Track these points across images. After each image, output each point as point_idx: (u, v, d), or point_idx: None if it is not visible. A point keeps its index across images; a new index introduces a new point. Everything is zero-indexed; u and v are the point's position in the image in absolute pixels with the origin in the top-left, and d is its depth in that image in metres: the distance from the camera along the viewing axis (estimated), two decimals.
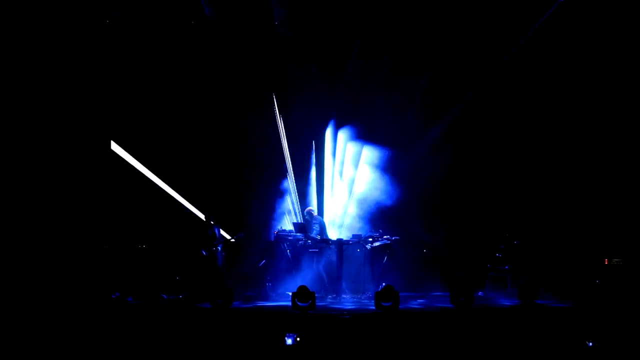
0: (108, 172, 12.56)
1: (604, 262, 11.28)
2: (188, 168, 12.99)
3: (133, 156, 12.69)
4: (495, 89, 12.84)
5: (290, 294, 9.81)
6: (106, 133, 12.64)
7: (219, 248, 11.95)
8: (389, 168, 13.02)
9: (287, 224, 12.82)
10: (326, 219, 13.03)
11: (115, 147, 12.61)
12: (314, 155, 13.43)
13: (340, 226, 13.14)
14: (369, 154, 13.14)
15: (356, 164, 13.27)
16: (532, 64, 12.56)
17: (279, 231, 12.28)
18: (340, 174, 13.34)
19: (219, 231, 12.03)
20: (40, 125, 12.29)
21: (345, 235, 12.66)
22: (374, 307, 9.78)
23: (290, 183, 13.18)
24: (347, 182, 13.33)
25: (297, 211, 13.18)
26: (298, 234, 12.03)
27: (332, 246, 11.92)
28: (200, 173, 13.05)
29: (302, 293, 9.59)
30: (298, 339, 8.16)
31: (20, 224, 11.79)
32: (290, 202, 13.20)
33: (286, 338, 8.15)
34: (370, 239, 11.91)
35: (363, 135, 13.24)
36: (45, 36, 11.86)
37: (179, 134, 13.01)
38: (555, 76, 12.55)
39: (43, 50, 12.05)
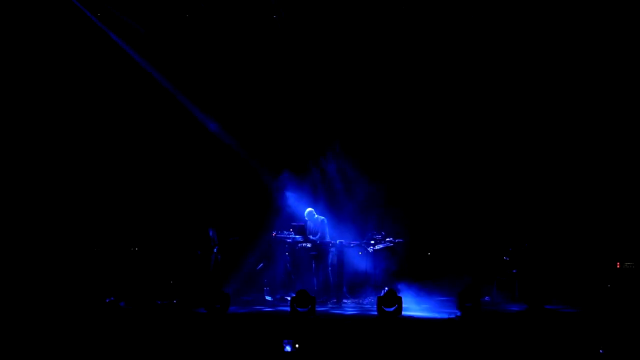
0: (101, 173, 12.44)
1: (616, 265, 11.14)
2: (186, 168, 12.86)
3: (130, 155, 12.65)
4: (504, 91, 12.64)
5: (289, 298, 9.60)
6: (102, 133, 12.52)
7: (215, 251, 11.80)
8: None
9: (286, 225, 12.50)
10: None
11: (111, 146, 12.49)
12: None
13: (341, 228, 12.84)
14: None
15: None
16: (533, 64, 12.38)
17: (277, 233, 12.01)
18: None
19: (214, 234, 11.86)
20: (34, 126, 12.16)
21: (346, 237, 12.35)
22: (376, 313, 9.67)
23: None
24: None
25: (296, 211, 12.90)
26: (297, 236, 11.78)
27: (333, 249, 11.71)
28: (198, 173, 12.89)
29: (301, 298, 9.49)
30: (297, 345, 7.93)
31: (11, 227, 11.67)
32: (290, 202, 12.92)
33: (284, 346, 7.91)
34: (373, 242, 11.65)
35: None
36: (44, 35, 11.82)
37: (178, 134, 12.90)
38: (563, 77, 12.38)
39: (40, 50, 11.96)
